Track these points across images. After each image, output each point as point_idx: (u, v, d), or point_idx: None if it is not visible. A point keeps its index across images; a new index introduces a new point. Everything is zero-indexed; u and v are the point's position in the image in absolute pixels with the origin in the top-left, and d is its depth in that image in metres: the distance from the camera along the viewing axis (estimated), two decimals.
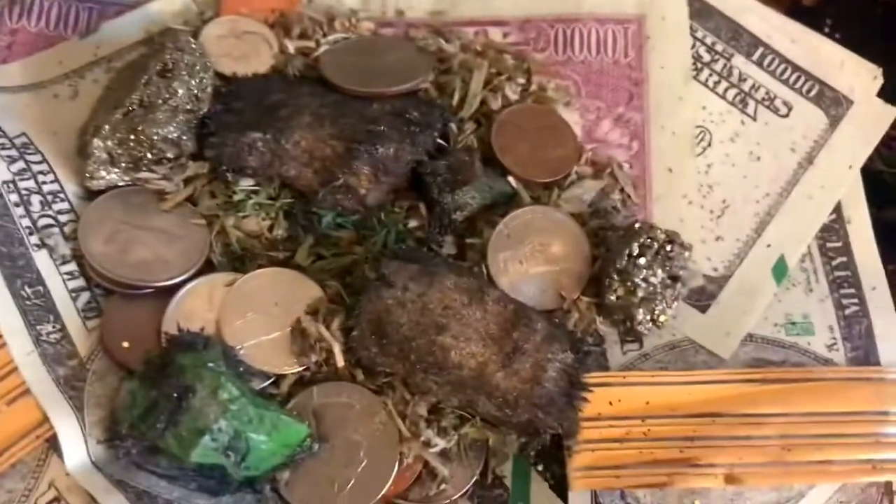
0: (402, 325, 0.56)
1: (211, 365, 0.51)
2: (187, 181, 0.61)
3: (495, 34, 0.68)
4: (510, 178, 0.62)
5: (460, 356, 0.56)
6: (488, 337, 0.56)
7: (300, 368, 0.57)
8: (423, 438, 0.55)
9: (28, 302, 0.54)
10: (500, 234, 0.61)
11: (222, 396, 0.50)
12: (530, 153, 0.64)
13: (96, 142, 0.59)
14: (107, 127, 0.59)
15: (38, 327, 0.54)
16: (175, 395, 0.50)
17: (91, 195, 0.60)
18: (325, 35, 0.67)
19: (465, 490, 0.57)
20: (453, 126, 0.63)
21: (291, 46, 0.66)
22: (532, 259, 0.61)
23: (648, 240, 0.59)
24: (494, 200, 0.62)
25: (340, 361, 0.57)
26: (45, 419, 0.52)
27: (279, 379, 0.57)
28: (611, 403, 0.57)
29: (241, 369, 0.53)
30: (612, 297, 0.58)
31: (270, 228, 0.62)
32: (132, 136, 0.59)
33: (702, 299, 0.62)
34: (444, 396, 0.56)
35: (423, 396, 0.56)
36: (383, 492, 0.55)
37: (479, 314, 0.57)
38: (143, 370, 0.52)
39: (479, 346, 0.56)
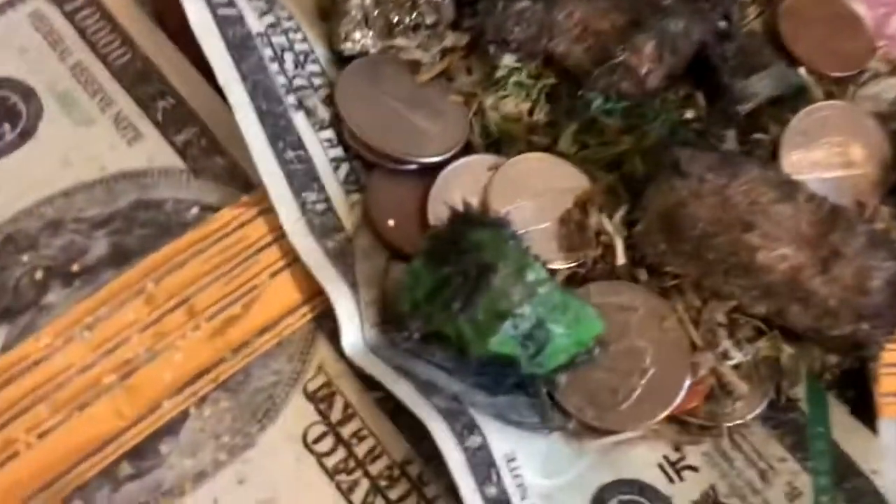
0: (698, 221, 0.49)
1: (512, 243, 0.44)
2: (444, 53, 0.55)
3: None
4: (801, 70, 0.56)
5: (770, 258, 0.49)
6: (801, 238, 0.49)
7: (574, 263, 0.51)
8: (720, 349, 0.49)
9: (292, 165, 0.48)
10: (793, 130, 0.54)
11: (529, 278, 0.43)
12: (821, 43, 0.56)
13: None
14: None
15: (304, 194, 0.48)
16: (474, 272, 0.43)
17: (341, 61, 0.54)
18: None
19: (757, 411, 0.50)
20: (736, 8, 0.57)
21: None
22: (828, 161, 0.54)
23: None
24: (782, 94, 0.55)
25: (622, 258, 0.51)
26: (311, 296, 0.46)
27: (550, 274, 0.51)
28: None
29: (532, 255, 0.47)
30: None
31: (531, 111, 0.55)
32: None
33: None
34: (749, 303, 0.49)
35: (722, 302, 0.50)
36: (673, 406, 0.48)
37: (790, 212, 0.49)
38: (429, 246, 0.45)
39: (792, 248, 0.49)
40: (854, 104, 0.55)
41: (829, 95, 0.56)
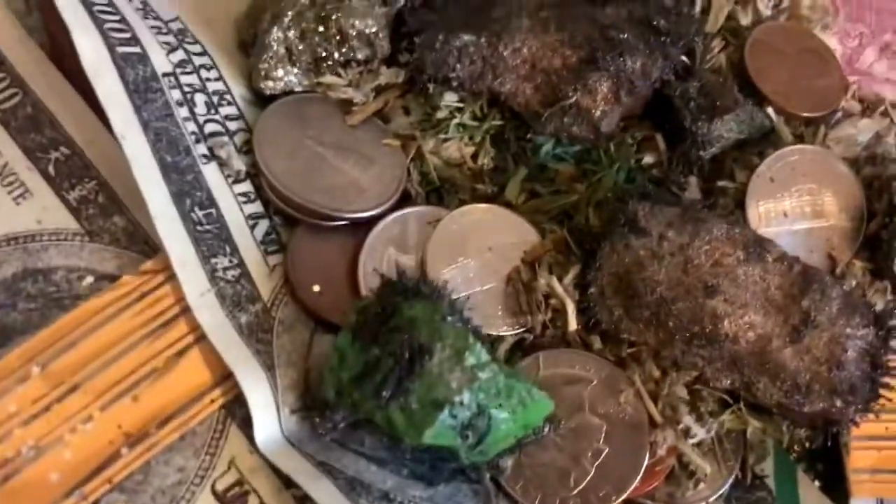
0: (657, 284, 0.45)
1: (450, 319, 0.39)
2: (378, 91, 0.49)
3: None
4: (769, 110, 0.51)
5: (736, 326, 0.44)
6: (770, 304, 0.45)
7: (521, 329, 0.46)
8: (681, 426, 0.45)
9: (200, 227, 0.42)
10: (761, 177, 0.49)
11: (469, 361, 0.38)
12: (791, 80, 0.52)
13: (275, 32, 0.46)
14: (290, 14, 0.47)
15: (213, 260, 0.42)
16: (406, 355, 0.38)
17: (261, 101, 0.48)
18: None
19: (721, 491, 0.46)
20: (699, 42, 0.52)
21: None
22: (798, 210, 0.50)
23: None
24: (749, 136, 0.51)
25: (573, 324, 0.46)
26: (222, 378, 0.41)
27: (495, 342, 0.46)
28: None
29: (471, 328, 0.42)
30: None
31: (475, 156, 0.50)
32: (320, 28, 0.47)
33: None
34: (713, 375, 0.44)
35: (684, 373, 0.45)
36: (629, 490, 0.44)
37: (758, 274, 0.45)
38: (357, 321, 0.40)
39: (760, 315, 0.45)
40: (825, 148, 0.51)
41: (798, 138, 0.51)
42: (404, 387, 0.38)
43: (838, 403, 0.44)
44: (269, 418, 0.40)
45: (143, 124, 0.42)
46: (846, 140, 0.52)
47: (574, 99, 0.48)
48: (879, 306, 0.48)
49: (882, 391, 0.45)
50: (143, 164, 0.42)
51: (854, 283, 0.48)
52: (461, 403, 0.39)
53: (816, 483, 0.47)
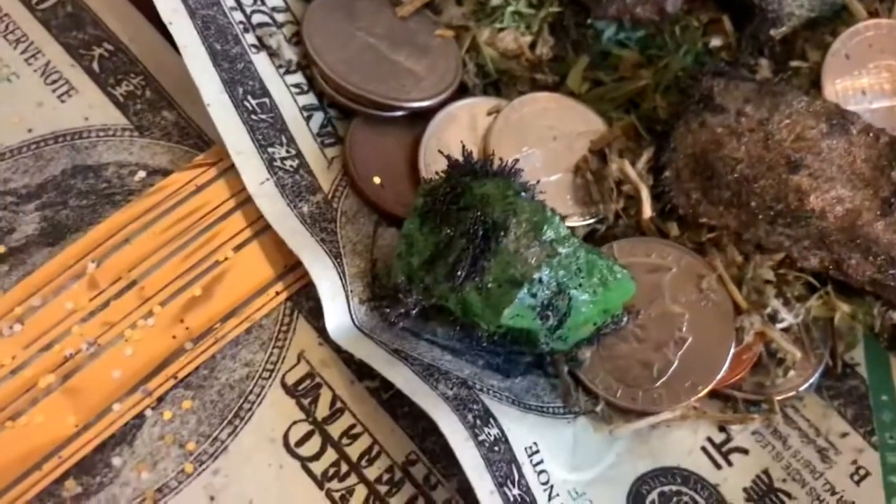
0: (737, 162, 0.43)
1: (525, 195, 0.37)
2: None
3: None
4: None
5: (822, 201, 0.42)
6: (857, 176, 0.42)
7: (593, 219, 0.44)
8: (768, 310, 0.42)
9: (254, 116, 0.40)
10: (836, 54, 0.47)
11: (547, 236, 0.36)
12: None
13: None
14: None
15: (270, 149, 0.40)
16: (480, 232, 0.36)
17: None
18: None
19: (812, 381, 0.44)
20: None
21: None
22: (877, 87, 0.47)
23: None
24: (820, 14, 0.48)
25: (648, 210, 0.44)
26: (285, 271, 0.39)
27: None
28: None
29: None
30: None
31: (532, 46, 0.48)
32: None
33: None
34: (800, 255, 0.42)
35: (768, 256, 0.43)
36: (716, 380, 0.42)
37: (843, 147, 0.43)
38: (424, 204, 0.38)
39: (847, 189, 0.42)
40: None
41: (872, 14, 0.49)
42: (479, 266, 0.36)
43: None
44: (339, 306, 0.38)
45: (189, 11, 0.41)
46: None
47: None
48: None
49: None
50: (193, 52, 0.40)
51: None
52: (540, 281, 0.37)
53: None
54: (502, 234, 0.36)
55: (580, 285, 0.38)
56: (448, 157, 0.39)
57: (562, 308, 0.38)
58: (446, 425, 0.36)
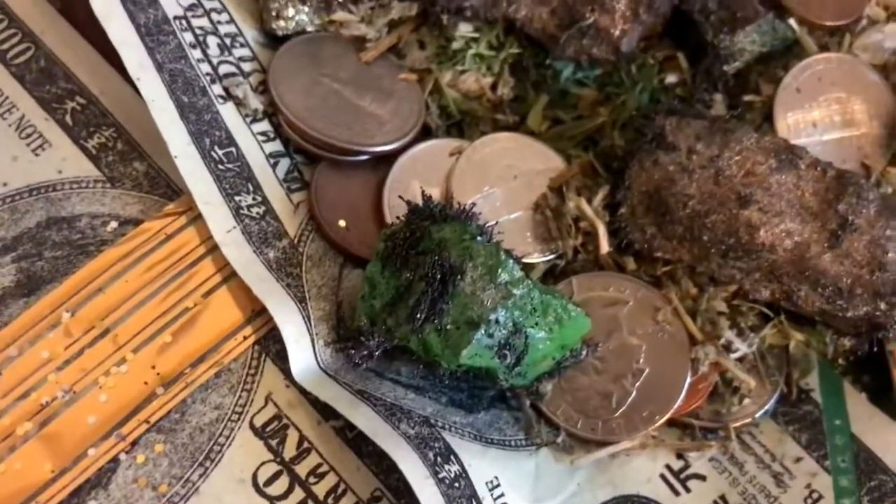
0: (689, 198, 0.44)
1: (480, 239, 0.39)
2: (391, 26, 0.49)
3: None
4: (791, 21, 0.50)
5: (772, 235, 0.43)
6: (805, 210, 0.44)
7: (552, 255, 0.46)
8: (722, 341, 0.44)
9: (221, 166, 0.42)
10: (787, 88, 0.48)
11: (502, 278, 0.38)
12: None
13: None
14: None
15: (237, 198, 0.41)
16: (437, 276, 0.38)
17: (273, 43, 0.47)
18: None
19: (767, 407, 0.45)
20: None
21: None
22: (828, 120, 0.49)
23: None
24: (772, 49, 0.50)
25: (605, 246, 0.45)
26: (253, 315, 0.41)
27: (526, 269, 0.45)
28: None
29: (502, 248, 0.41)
30: None
31: (494, 87, 0.50)
32: None
33: None
34: (752, 287, 0.44)
35: (721, 288, 0.44)
36: (673, 409, 0.43)
37: (791, 182, 0.44)
38: (386, 248, 0.39)
39: (796, 222, 0.44)
40: (852, 56, 0.50)
41: (823, 48, 0.50)
42: (438, 308, 0.38)
43: (882, 306, 0.43)
44: (304, 349, 0.39)
45: (157, 66, 0.42)
46: (873, 47, 0.50)
47: (592, 19, 0.47)
48: None
49: None
50: (160, 106, 0.42)
51: (890, 189, 0.48)
52: (497, 321, 0.38)
53: (863, 395, 0.46)
54: (459, 277, 0.38)
55: (536, 324, 0.39)
56: (408, 203, 0.41)
57: (519, 346, 0.39)
58: (406, 464, 0.37)
